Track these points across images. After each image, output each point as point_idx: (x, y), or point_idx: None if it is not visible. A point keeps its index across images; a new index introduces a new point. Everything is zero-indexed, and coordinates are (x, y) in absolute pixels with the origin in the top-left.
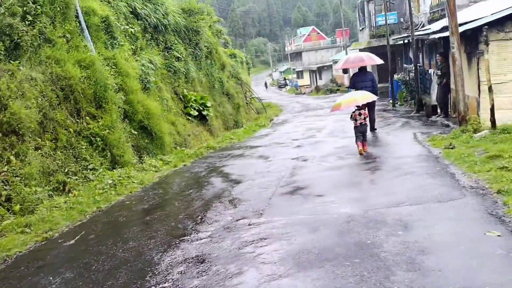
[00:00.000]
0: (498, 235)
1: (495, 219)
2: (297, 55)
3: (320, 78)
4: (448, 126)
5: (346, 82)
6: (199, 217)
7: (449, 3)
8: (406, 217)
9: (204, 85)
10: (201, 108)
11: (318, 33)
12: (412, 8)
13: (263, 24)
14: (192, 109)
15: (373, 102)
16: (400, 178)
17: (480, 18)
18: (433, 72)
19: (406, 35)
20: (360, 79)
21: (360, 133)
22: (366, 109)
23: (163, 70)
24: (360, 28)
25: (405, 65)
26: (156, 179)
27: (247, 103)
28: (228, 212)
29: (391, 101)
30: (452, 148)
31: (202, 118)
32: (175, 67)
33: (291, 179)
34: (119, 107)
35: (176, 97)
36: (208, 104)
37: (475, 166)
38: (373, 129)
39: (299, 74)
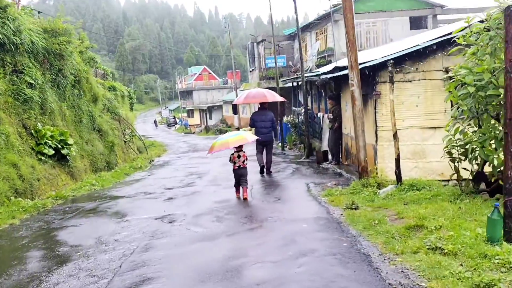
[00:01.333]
0: None
1: None
2: (187, 93)
3: (210, 118)
4: (341, 175)
5: (236, 123)
6: None
7: (348, 33)
8: None
9: (68, 118)
10: (60, 146)
11: (210, 73)
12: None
13: (154, 61)
14: (47, 147)
15: (271, 142)
16: (295, 264)
17: (376, 59)
18: (322, 116)
19: (295, 76)
20: (259, 118)
21: (239, 176)
22: (245, 152)
23: (7, 98)
24: (250, 69)
25: (294, 108)
26: None
27: (125, 142)
28: None
29: (280, 144)
30: (355, 209)
31: (61, 158)
32: (26, 95)
33: (142, 257)
34: None
35: (25, 132)
36: (70, 141)
37: (394, 241)
38: (268, 171)
39: (190, 113)
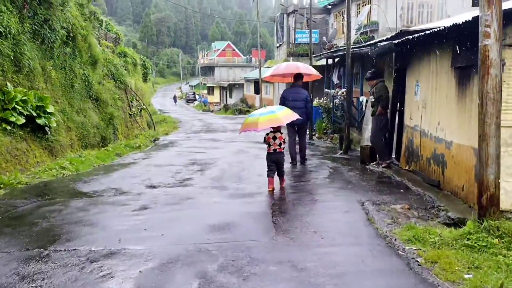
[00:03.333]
0: None
1: None
2: (209, 69)
3: (231, 97)
4: (407, 188)
5: (257, 104)
6: None
7: None
8: None
9: (55, 81)
10: (35, 114)
11: (234, 50)
12: (335, 29)
13: (179, 35)
14: (16, 114)
15: (305, 125)
16: None
17: None
18: (366, 101)
19: (334, 50)
20: (291, 97)
21: (272, 163)
22: (282, 133)
23: None
24: (277, 45)
25: (326, 90)
26: None
27: (130, 115)
28: None
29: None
30: None
31: (37, 129)
32: None
33: None
34: None
35: None
36: (50, 109)
37: None
38: (303, 159)
39: (210, 90)
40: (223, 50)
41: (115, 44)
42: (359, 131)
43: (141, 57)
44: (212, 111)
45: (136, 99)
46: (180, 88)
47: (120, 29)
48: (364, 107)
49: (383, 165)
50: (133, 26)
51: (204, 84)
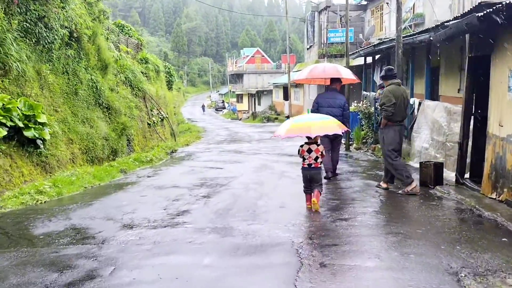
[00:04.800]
0: None
1: None
2: (238, 77)
3: (259, 104)
4: (510, 233)
5: (286, 111)
6: None
7: None
8: None
9: (54, 87)
10: (22, 125)
11: (263, 56)
12: (372, 25)
13: (210, 44)
14: None
15: (340, 136)
16: None
17: None
18: (419, 104)
19: (375, 43)
20: (327, 102)
21: (308, 180)
22: (321, 145)
23: None
24: (308, 46)
25: (364, 92)
26: None
27: (149, 124)
28: None
29: (344, 141)
30: None
31: (27, 143)
32: None
33: None
34: None
35: None
36: (42, 118)
37: None
38: (334, 173)
39: (239, 98)
40: (252, 56)
41: (137, 51)
42: (408, 140)
43: (166, 64)
44: (240, 119)
45: (156, 107)
46: (210, 96)
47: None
48: (416, 110)
49: (407, 191)
50: (165, 36)
51: (233, 92)
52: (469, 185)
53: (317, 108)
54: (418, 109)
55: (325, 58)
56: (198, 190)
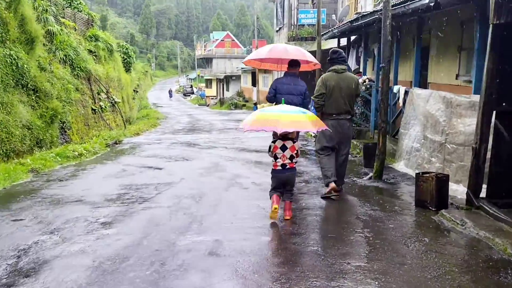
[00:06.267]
0: None
1: None
2: (207, 61)
3: (227, 90)
4: None
5: (255, 97)
6: None
7: None
8: None
9: None
10: None
11: (233, 40)
12: (347, 6)
13: (181, 28)
14: None
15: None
16: None
17: None
18: (404, 93)
19: (353, 19)
20: (286, 89)
21: (279, 182)
22: (298, 142)
23: None
24: (277, 28)
25: None
26: None
27: (94, 110)
28: None
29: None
30: None
31: None
32: None
33: None
34: None
35: None
36: None
37: None
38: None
39: (208, 83)
40: (221, 40)
41: (87, 27)
42: (391, 137)
43: (123, 44)
44: (208, 105)
45: (106, 91)
46: (178, 81)
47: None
48: (401, 101)
49: (324, 194)
50: (133, 18)
51: (202, 76)
52: (490, 210)
53: (274, 95)
54: (404, 99)
55: (295, 40)
56: (105, 209)
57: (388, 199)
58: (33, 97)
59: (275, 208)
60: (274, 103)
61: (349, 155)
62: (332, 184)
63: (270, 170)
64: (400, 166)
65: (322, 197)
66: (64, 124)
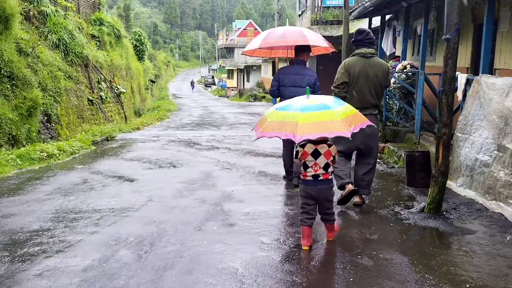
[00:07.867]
0: None
1: None
2: (229, 51)
3: (248, 80)
4: None
5: None
6: None
7: None
8: None
9: None
10: None
11: (256, 29)
12: None
13: (205, 18)
14: None
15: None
16: None
17: None
18: (465, 81)
19: None
20: (291, 81)
21: (311, 200)
22: (334, 146)
23: None
24: (300, 12)
25: None
26: None
27: (91, 101)
28: None
29: None
30: None
31: None
32: None
33: None
34: None
35: None
36: None
37: None
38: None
39: (230, 74)
40: (244, 29)
41: (93, 11)
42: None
43: (137, 30)
44: (228, 96)
45: (108, 80)
46: (200, 72)
47: (144, 10)
48: (461, 93)
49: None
50: (158, 7)
51: (223, 67)
52: None
53: (277, 88)
54: (465, 90)
55: (319, 25)
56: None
57: (462, 259)
58: (8, 85)
59: (305, 249)
60: (278, 99)
61: (385, 165)
62: (349, 186)
63: (274, 186)
64: (459, 186)
65: (338, 203)
66: (50, 117)
